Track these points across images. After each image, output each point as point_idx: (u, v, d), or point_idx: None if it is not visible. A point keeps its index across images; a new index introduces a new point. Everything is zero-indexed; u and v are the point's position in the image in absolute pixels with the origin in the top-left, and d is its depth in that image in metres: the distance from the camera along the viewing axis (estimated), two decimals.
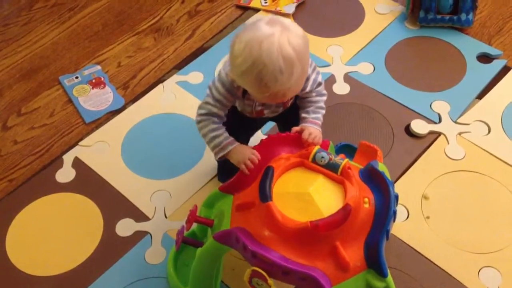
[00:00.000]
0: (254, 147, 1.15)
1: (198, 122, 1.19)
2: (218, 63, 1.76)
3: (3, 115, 1.68)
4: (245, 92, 1.15)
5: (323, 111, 1.22)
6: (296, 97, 1.23)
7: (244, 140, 1.31)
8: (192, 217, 1.14)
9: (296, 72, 1.02)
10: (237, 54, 1.02)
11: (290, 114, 1.26)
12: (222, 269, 1.22)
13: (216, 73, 1.72)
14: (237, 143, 1.16)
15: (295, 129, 1.16)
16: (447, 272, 1.28)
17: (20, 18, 1.97)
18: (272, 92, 1.04)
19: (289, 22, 1.04)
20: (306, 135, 1.14)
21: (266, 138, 1.16)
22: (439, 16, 1.78)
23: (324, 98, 1.23)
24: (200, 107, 1.19)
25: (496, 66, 1.71)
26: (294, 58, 1.01)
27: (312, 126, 1.17)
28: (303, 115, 1.20)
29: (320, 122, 1.20)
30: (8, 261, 1.35)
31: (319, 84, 1.21)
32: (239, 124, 1.27)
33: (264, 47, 0.99)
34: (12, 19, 1.97)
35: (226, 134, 1.17)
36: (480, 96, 1.63)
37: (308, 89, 1.19)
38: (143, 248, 1.35)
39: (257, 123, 1.38)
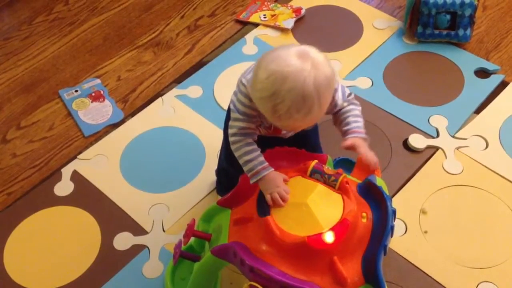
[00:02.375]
0: None
1: (232, 143, 1.12)
2: (217, 77, 1.77)
3: (2, 128, 1.69)
4: None
5: (362, 120, 1.15)
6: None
7: None
8: (190, 231, 1.14)
9: (313, 112, 0.99)
10: (259, 80, 0.99)
11: (308, 137, 1.22)
12: (220, 283, 1.22)
13: (215, 89, 1.73)
14: (271, 170, 1.09)
15: (346, 144, 1.11)
16: (445, 287, 1.28)
17: (20, 32, 1.98)
18: (284, 124, 1.03)
19: (321, 58, 1.00)
20: (368, 158, 1.10)
21: (264, 152, 1.16)
22: (436, 32, 1.79)
23: (359, 107, 1.16)
24: (230, 127, 1.13)
25: (494, 81, 1.72)
26: (315, 99, 0.97)
27: (359, 136, 1.11)
28: (344, 128, 1.13)
29: (363, 131, 1.13)
30: (6, 274, 1.35)
31: (349, 94, 1.16)
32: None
33: (288, 83, 0.96)
34: (12, 33, 1.99)
35: (261, 158, 1.10)
36: (478, 111, 1.64)
37: (339, 104, 1.14)
38: (140, 262, 1.35)
39: (272, 144, 1.28)
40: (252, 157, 1.09)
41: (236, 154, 1.11)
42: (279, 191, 1.04)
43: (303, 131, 1.16)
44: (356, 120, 1.14)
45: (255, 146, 1.11)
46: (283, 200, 1.04)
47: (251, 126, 1.11)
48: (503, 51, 1.82)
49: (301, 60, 0.98)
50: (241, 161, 1.11)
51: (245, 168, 1.10)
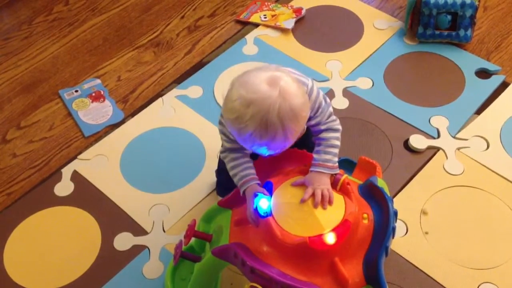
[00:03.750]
0: (254, 162, 1.14)
1: (223, 158, 1.15)
2: (217, 77, 1.76)
3: (2, 129, 1.69)
4: None
5: (336, 150, 1.11)
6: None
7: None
8: (191, 232, 1.14)
9: (277, 141, 0.98)
10: (228, 100, 0.99)
11: (304, 141, 1.20)
12: (220, 284, 1.22)
13: (215, 89, 1.73)
14: (251, 184, 1.09)
15: (298, 182, 1.08)
16: None
17: (20, 32, 1.98)
18: (252, 148, 1.02)
19: (292, 88, 0.98)
20: (308, 194, 1.05)
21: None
22: (437, 32, 1.79)
23: (337, 134, 1.12)
24: (221, 151, 1.16)
25: (495, 81, 1.72)
26: (278, 128, 0.96)
27: (319, 171, 1.07)
28: (314, 155, 1.10)
29: (331, 164, 1.09)
30: (6, 274, 1.35)
31: (330, 115, 1.11)
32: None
33: (251, 108, 0.95)
34: (12, 33, 1.98)
35: (243, 173, 1.10)
36: (479, 111, 1.64)
37: (314, 121, 1.10)
38: (141, 262, 1.35)
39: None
40: (236, 172, 1.11)
41: (228, 168, 1.14)
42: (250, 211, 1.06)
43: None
44: (327, 151, 1.10)
45: (240, 159, 1.12)
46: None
47: (236, 146, 1.11)
48: (504, 51, 1.81)
49: (270, 88, 0.96)
50: (231, 175, 1.13)
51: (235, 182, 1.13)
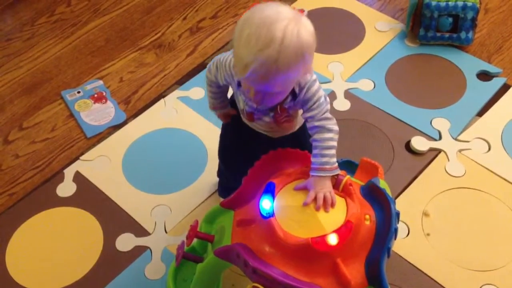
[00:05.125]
0: (256, 163, 1.14)
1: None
2: None
3: (4, 130, 1.69)
4: (240, 83, 1.09)
5: (333, 150, 1.07)
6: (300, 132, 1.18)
7: (246, 161, 1.20)
8: (193, 233, 1.14)
9: (270, 53, 0.92)
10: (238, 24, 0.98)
11: (297, 136, 1.20)
12: (222, 284, 1.22)
13: None
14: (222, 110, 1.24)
15: (299, 186, 1.07)
16: None
17: (22, 33, 1.99)
18: (248, 64, 0.94)
19: (309, 26, 0.98)
20: (311, 198, 1.03)
21: (268, 154, 1.16)
22: (439, 34, 1.79)
23: (331, 134, 1.07)
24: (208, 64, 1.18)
25: (496, 84, 1.72)
26: (277, 41, 0.91)
27: (319, 176, 1.05)
28: (312, 159, 1.08)
29: (330, 166, 1.06)
30: (8, 275, 1.35)
31: (326, 111, 1.08)
32: (237, 136, 1.24)
33: (262, 10, 0.94)
34: (15, 34, 1.99)
35: (212, 100, 1.23)
36: (480, 113, 1.64)
37: (309, 113, 1.08)
38: (143, 263, 1.35)
39: (254, 139, 1.24)
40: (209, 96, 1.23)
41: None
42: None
43: (292, 134, 1.17)
44: (323, 154, 1.07)
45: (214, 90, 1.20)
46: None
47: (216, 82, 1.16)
48: (505, 54, 1.82)
49: (284, 10, 0.96)
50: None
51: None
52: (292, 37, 0.93)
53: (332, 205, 1.04)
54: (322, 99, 1.08)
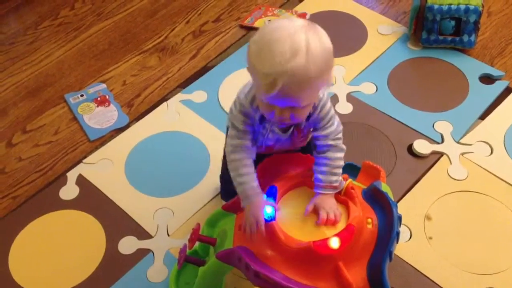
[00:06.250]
0: (259, 166, 1.14)
1: (229, 162, 1.09)
2: (222, 82, 1.77)
3: (8, 133, 1.70)
4: (263, 117, 1.07)
5: (341, 170, 1.09)
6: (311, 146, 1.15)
7: None
8: (195, 236, 1.14)
9: (299, 60, 0.91)
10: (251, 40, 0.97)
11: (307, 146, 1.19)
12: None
13: (220, 93, 1.74)
14: (257, 199, 1.05)
15: (309, 208, 1.06)
16: None
17: (26, 37, 2.00)
18: (276, 79, 0.92)
19: (319, 27, 0.97)
20: (323, 219, 1.04)
21: (270, 157, 1.17)
22: (441, 37, 1.79)
23: (342, 154, 1.09)
24: (226, 145, 1.10)
25: (499, 87, 1.72)
26: (303, 49, 0.91)
27: (327, 193, 1.07)
28: (319, 176, 1.08)
29: (337, 184, 1.08)
30: (11, 278, 1.36)
31: (339, 132, 1.09)
32: None
33: (277, 27, 0.94)
34: (18, 37, 2.00)
35: (251, 184, 1.06)
36: (483, 116, 1.64)
37: (324, 132, 1.08)
38: (145, 266, 1.35)
39: (261, 157, 1.20)
40: (243, 180, 1.06)
41: (231, 175, 1.08)
42: (251, 223, 1.04)
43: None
44: (333, 172, 1.08)
45: (250, 168, 1.07)
46: (252, 231, 1.04)
47: (246, 143, 1.07)
48: (507, 57, 1.82)
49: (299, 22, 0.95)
50: (234, 182, 1.08)
51: (238, 191, 1.08)
52: (316, 44, 0.93)
53: (336, 222, 1.04)
54: (336, 117, 1.09)
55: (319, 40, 0.94)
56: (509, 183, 1.47)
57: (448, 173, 1.50)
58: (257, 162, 1.13)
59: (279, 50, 0.91)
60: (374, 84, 1.75)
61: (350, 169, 1.31)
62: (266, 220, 1.03)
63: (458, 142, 1.57)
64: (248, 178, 1.06)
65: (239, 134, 1.08)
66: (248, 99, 1.05)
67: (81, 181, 1.54)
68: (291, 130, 1.10)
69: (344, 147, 1.10)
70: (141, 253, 1.38)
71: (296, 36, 0.92)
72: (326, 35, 0.97)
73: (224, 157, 1.34)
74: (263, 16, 1.98)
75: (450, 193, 1.46)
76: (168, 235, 1.41)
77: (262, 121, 1.07)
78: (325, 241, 0.99)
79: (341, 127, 1.10)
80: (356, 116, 1.66)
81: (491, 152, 1.55)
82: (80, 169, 1.57)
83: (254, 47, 0.96)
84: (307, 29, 0.94)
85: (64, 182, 1.54)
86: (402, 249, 1.34)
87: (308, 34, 0.93)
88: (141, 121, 1.69)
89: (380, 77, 1.77)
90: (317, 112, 1.06)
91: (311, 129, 1.11)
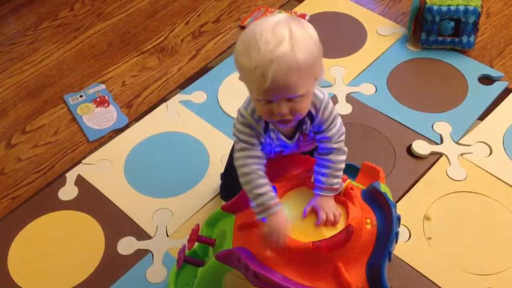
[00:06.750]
0: None
1: (242, 176, 1.06)
2: (221, 83, 1.77)
3: (7, 133, 1.70)
4: (267, 126, 1.07)
5: (342, 172, 1.09)
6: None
7: None
8: (194, 236, 1.14)
9: (285, 47, 0.91)
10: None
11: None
12: None
13: (219, 94, 1.74)
14: (279, 209, 1.03)
15: (308, 209, 1.06)
16: None
17: (26, 38, 2.00)
18: (265, 70, 0.92)
19: (306, 22, 0.98)
20: (323, 220, 1.04)
21: (270, 160, 1.17)
22: (440, 38, 1.80)
23: (344, 157, 1.09)
24: (235, 159, 1.07)
25: (498, 88, 1.72)
26: (286, 37, 0.92)
27: (326, 195, 1.07)
28: (319, 177, 1.07)
29: (337, 186, 1.08)
30: (10, 278, 1.36)
31: (342, 134, 1.08)
32: None
33: (259, 23, 0.95)
34: (18, 38, 2.00)
35: (270, 194, 1.03)
36: (482, 117, 1.64)
37: (328, 133, 1.07)
38: (144, 266, 1.35)
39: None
40: (263, 191, 1.03)
41: (246, 187, 1.06)
42: (276, 237, 1.01)
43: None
44: (335, 175, 1.07)
45: (265, 179, 1.05)
46: (276, 244, 1.02)
47: (254, 153, 1.06)
48: (507, 57, 1.82)
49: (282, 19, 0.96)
50: (250, 195, 1.05)
51: (254, 203, 1.04)
52: (299, 31, 0.94)
53: (335, 223, 1.04)
54: (338, 118, 1.09)
55: (302, 27, 0.95)
56: (508, 184, 1.47)
57: (447, 174, 1.50)
58: None
59: (264, 41, 0.92)
60: (374, 85, 1.75)
61: (349, 170, 1.31)
62: (265, 221, 1.03)
63: (457, 143, 1.58)
64: (266, 189, 1.04)
65: (246, 146, 1.07)
66: (248, 112, 1.06)
67: (80, 181, 1.54)
68: (296, 136, 1.09)
69: (346, 149, 1.10)
70: (140, 254, 1.38)
71: (279, 27, 0.93)
72: (310, 26, 0.99)
73: (230, 155, 1.34)
74: (262, 17, 1.98)
75: (449, 193, 1.46)
76: (167, 235, 1.41)
77: (266, 130, 1.07)
78: (324, 241, 0.98)
79: (343, 129, 1.09)
80: (355, 117, 1.66)
81: (490, 153, 1.55)
82: (79, 170, 1.57)
83: (240, 45, 0.97)
84: (289, 20, 0.95)
85: (63, 183, 1.54)
86: (401, 249, 1.34)
87: (291, 24, 0.94)
88: (140, 122, 1.69)
89: (380, 78, 1.77)
90: (320, 114, 1.05)
91: (315, 132, 1.10)
